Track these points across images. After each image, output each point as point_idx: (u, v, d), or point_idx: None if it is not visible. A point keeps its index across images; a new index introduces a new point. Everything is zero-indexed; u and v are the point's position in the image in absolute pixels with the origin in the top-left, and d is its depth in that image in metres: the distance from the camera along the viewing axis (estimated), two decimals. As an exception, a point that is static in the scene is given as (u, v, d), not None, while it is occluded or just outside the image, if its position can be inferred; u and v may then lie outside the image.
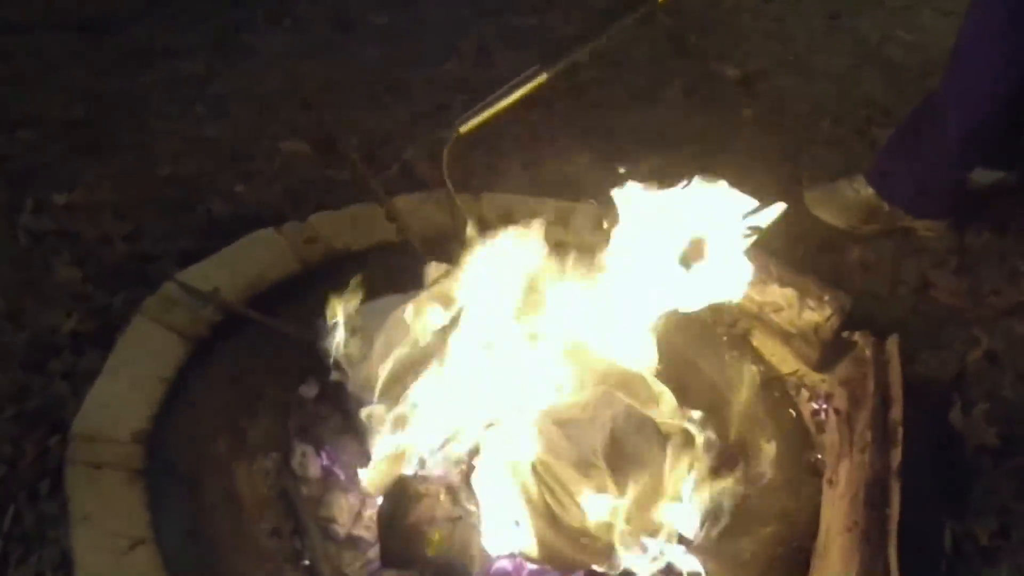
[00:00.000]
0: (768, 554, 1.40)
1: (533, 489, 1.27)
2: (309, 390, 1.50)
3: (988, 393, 1.71)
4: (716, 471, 1.39)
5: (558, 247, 1.46)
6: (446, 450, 1.33)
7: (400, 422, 1.31)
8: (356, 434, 1.39)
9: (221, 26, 2.62)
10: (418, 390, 1.32)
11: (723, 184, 1.37)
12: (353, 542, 1.34)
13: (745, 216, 1.34)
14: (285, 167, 2.12)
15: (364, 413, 1.33)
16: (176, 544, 1.26)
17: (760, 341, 1.70)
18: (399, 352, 1.34)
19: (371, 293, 1.47)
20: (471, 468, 1.32)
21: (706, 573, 1.35)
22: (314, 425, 1.45)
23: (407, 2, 2.80)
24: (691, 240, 1.32)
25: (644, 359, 1.42)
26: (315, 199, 1.98)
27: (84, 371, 1.51)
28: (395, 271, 1.58)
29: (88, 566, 1.21)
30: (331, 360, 1.41)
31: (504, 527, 1.28)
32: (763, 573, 1.38)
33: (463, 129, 1.48)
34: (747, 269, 1.36)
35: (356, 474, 1.37)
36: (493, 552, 1.29)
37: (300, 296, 1.59)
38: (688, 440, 1.36)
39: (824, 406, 1.59)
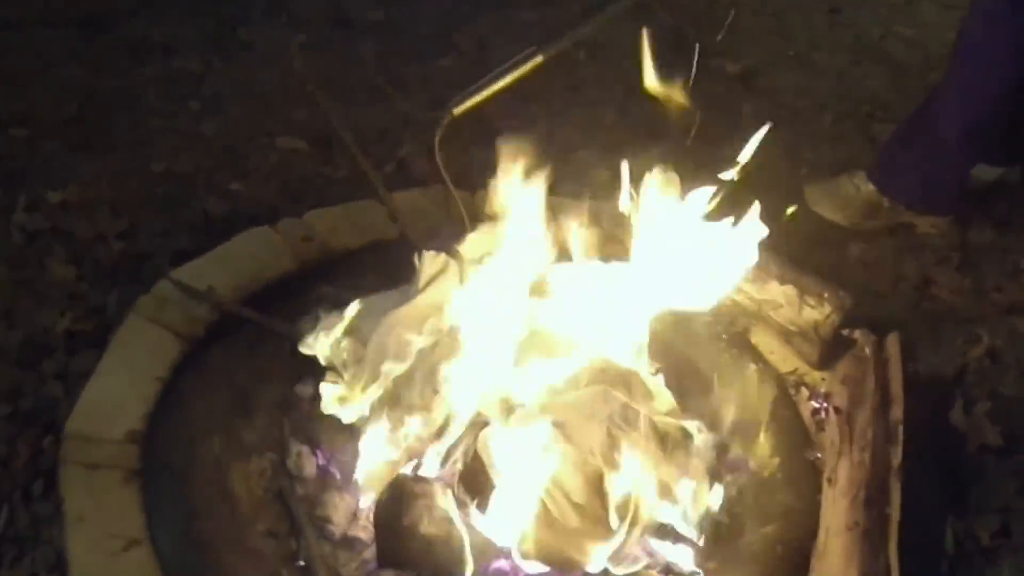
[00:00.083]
0: (768, 553, 1.40)
1: (529, 489, 1.26)
2: (305, 389, 1.49)
3: (990, 391, 1.70)
4: (714, 470, 1.38)
5: (556, 243, 1.45)
6: (442, 450, 1.32)
7: (395, 423, 1.30)
8: (352, 434, 1.38)
9: (217, 22, 2.60)
10: (413, 391, 1.31)
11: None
12: (349, 542, 1.33)
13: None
14: (281, 164, 2.11)
15: (358, 414, 1.32)
16: (171, 545, 1.26)
17: (759, 339, 1.69)
18: (394, 352, 1.33)
19: (367, 291, 1.46)
20: (467, 468, 1.31)
21: (705, 572, 1.35)
22: (310, 425, 1.44)
23: (404, -3, 2.79)
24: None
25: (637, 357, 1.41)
26: (311, 196, 1.97)
27: (78, 370, 1.51)
28: (392, 269, 1.56)
29: (82, 567, 1.21)
30: (325, 361, 1.40)
31: (500, 527, 1.27)
32: (763, 572, 1.38)
33: (457, 111, 1.45)
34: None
35: (352, 474, 1.36)
36: (489, 552, 1.28)
37: (296, 294, 1.58)
38: (686, 438, 1.35)
39: (824, 404, 1.58)
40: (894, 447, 1.40)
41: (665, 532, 1.34)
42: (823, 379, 1.62)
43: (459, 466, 1.31)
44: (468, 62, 2.51)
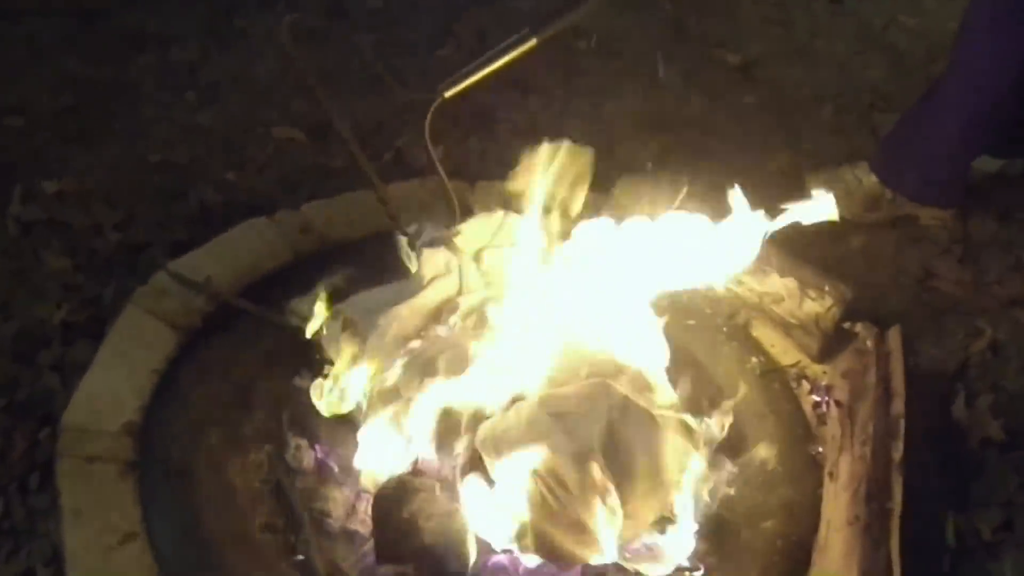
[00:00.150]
0: (768, 548, 1.39)
1: (529, 483, 1.25)
2: (303, 382, 1.47)
3: (992, 385, 1.69)
4: (715, 463, 1.37)
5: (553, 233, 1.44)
6: (441, 444, 1.31)
7: (393, 417, 1.29)
8: (351, 427, 1.37)
9: (213, 11, 2.58)
10: (412, 385, 1.30)
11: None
12: (348, 536, 1.33)
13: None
14: (278, 154, 2.09)
15: (356, 407, 1.31)
16: (168, 539, 1.25)
17: (760, 332, 1.68)
18: (391, 348, 1.32)
19: (365, 283, 1.45)
20: (466, 462, 1.30)
21: (705, 567, 1.34)
22: (308, 417, 1.43)
23: (402, -14, 2.77)
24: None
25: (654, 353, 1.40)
26: (309, 187, 1.96)
27: (74, 362, 1.50)
28: (390, 260, 1.55)
29: (79, 561, 1.21)
30: (323, 354, 1.39)
31: (500, 521, 1.26)
32: (763, 567, 1.37)
33: (448, 93, 1.43)
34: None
35: (351, 468, 1.35)
36: (488, 546, 1.27)
37: (294, 286, 1.56)
38: (686, 432, 1.34)
39: (825, 398, 1.57)
40: (895, 441, 1.40)
41: (665, 526, 1.34)
42: (824, 372, 1.61)
43: (459, 460, 1.30)
44: (467, 53, 2.49)
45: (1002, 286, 1.92)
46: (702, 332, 1.66)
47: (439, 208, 1.59)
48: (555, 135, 1.41)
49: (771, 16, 2.84)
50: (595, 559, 1.26)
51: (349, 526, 1.33)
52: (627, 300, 1.37)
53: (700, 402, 1.43)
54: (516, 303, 1.37)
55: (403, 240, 1.46)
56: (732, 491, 1.41)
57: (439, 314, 1.36)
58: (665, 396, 1.37)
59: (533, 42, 1.42)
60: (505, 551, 1.28)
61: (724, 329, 1.68)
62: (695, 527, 1.33)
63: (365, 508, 1.34)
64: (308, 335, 1.39)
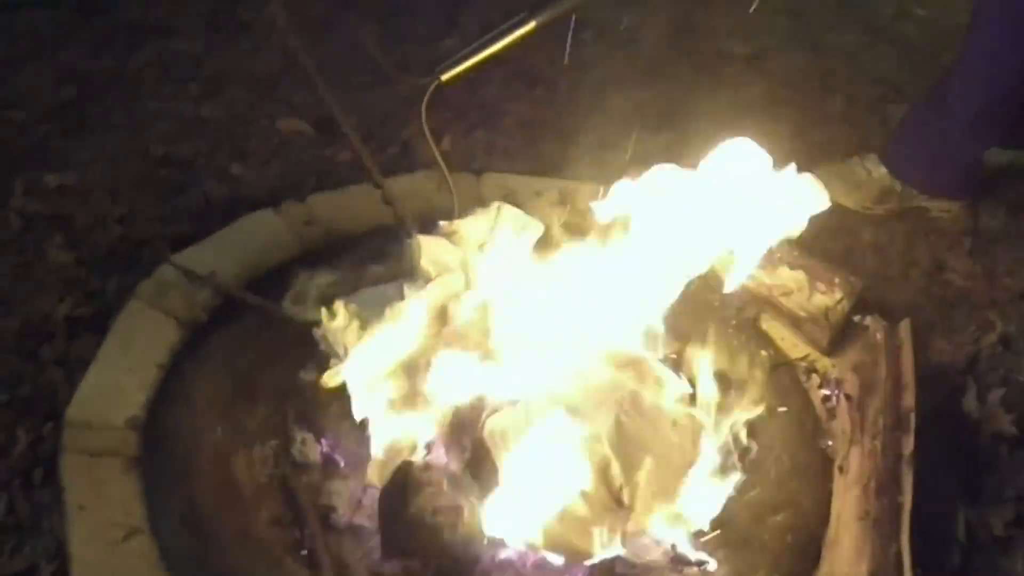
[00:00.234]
0: (778, 542, 1.39)
1: (537, 477, 1.24)
2: (309, 375, 1.47)
3: (1003, 378, 1.68)
4: (725, 457, 1.36)
5: (563, 227, 1.43)
6: (449, 438, 1.30)
7: (401, 411, 1.28)
8: (357, 421, 1.36)
9: (216, 2, 2.57)
10: (419, 378, 1.29)
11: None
12: (354, 531, 1.32)
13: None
14: (282, 147, 2.08)
15: (361, 401, 1.30)
16: (172, 534, 1.24)
17: (770, 325, 1.67)
18: (398, 341, 1.31)
19: (370, 276, 1.44)
20: (473, 456, 1.29)
21: (715, 561, 1.33)
22: (314, 411, 1.42)
23: (408, -24, 2.75)
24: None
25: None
26: (314, 180, 1.94)
27: (77, 357, 1.49)
28: (395, 254, 1.54)
29: (83, 557, 1.20)
30: (328, 348, 1.38)
31: (507, 516, 1.25)
32: (773, 562, 1.36)
33: (445, 77, 1.41)
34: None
35: (357, 462, 1.34)
36: (497, 541, 1.26)
37: (299, 279, 1.55)
38: (696, 426, 1.33)
39: (835, 392, 1.56)
40: (906, 435, 1.39)
41: (674, 520, 1.33)
42: (834, 366, 1.60)
43: (466, 454, 1.29)
44: (472, 42, 2.47)
45: (1013, 278, 1.91)
46: (711, 325, 1.64)
47: (444, 201, 1.58)
48: (560, 127, 1.39)
49: (780, 6, 2.81)
50: (603, 553, 1.25)
51: (355, 521, 1.32)
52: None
53: (709, 396, 1.43)
54: (522, 297, 1.36)
55: (410, 238, 1.45)
56: (741, 485, 1.40)
57: (445, 309, 1.35)
58: (675, 390, 1.36)
59: (532, 25, 1.40)
60: (513, 546, 1.27)
61: (733, 322, 1.66)
62: (704, 521, 1.32)
63: (372, 502, 1.33)
64: (313, 331, 1.38)
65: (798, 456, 1.48)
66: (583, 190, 1.81)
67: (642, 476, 1.26)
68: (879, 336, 1.56)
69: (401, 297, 1.35)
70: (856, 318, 1.60)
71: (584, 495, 1.24)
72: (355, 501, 1.34)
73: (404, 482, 1.28)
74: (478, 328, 1.32)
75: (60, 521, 1.23)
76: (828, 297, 1.58)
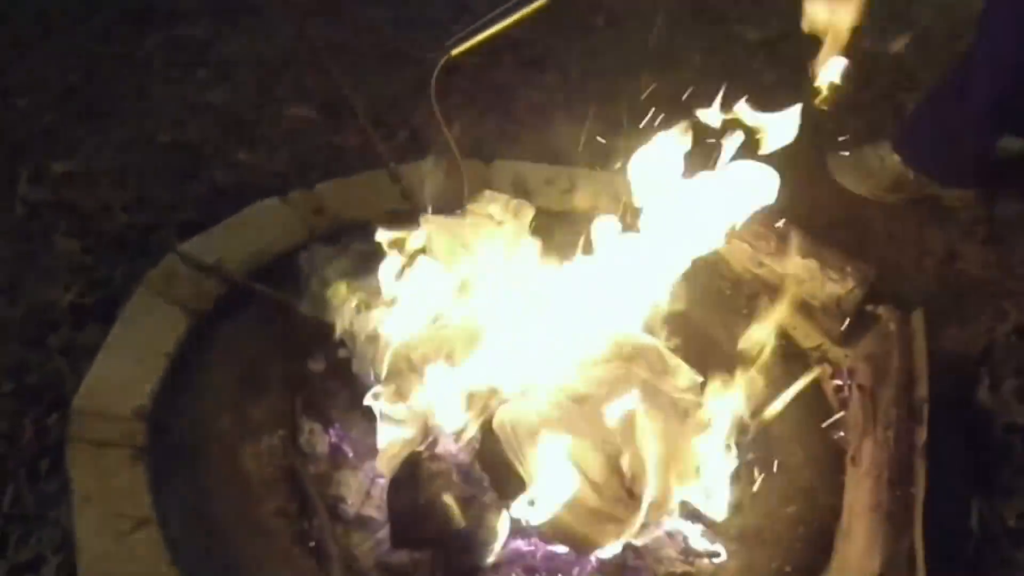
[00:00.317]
0: (790, 533, 1.38)
1: (547, 467, 1.23)
2: (317, 365, 1.46)
3: (1017, 369, 1.66)
4: (736, 448, 1.35)
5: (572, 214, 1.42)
6: (458, 428, 1.29)
7: (409, 400, 1.27)
8: (365, 411, 1.35)
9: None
10: (428, 368, 1.28)
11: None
12: (362, 522, 1.31)
13: None
14: (291, 134, 2.07)
15: (371, 392, 1.29)
16: (180, 525, 1.24)
17: (781, 314, 1.65)
18: (406, 329, 1.30)
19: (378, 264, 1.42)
20: (483, 446, 1.28)
21: (726, 552, 1.32)
22: (322, 401, 1.42)
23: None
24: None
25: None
26: (322, 166, 1.93)
27: (84, 346, 1.48)
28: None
29: (90, 548, 1.19)
30: (337, 337, 1.37)
31: (518, 506, 1.24)
32: (785, 553, 1.35)
33: (454, 52, 1.40)
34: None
35: (365, 452, 1.34)
36: (507, 531, 1.25)
37: (307, 267, 1.54)
38: (706, 416, 1.32)
39: (847, 382, 1.54)
40: (919, 426, 1.38)
41: (686, 512, 1.32)
42: (846, 356, 1.58)
43: (476, 444, 1.28)
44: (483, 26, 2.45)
45: (1027, 268, 1.89)
46: (722, 314, 1.63)
47: (459, 186, 1.56)
48: (571, 113, 1.37)
49: (791, -9, 2.78)
50: (613, 544, 1.25)
51: (364, 511, 1.32)
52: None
53: (720, 385, 1.41)
54: (534, 284, 1.35)
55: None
56: (753, 477, 1.39)
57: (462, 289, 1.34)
58: (685, 379, 1.35)
59: (542, 1, 1.38)
60: (523, 536, 1.27)
61: (744, 311, 1.65)
62: (716, 512, 1.31)
63: (380, 493, 1.32)
64: (326, 318, 1.37)
65: (810, 447, 1.47)
66: (593, 177, 1.80)
67: (653, 466, 1.25)
68: (892, 326, 1.55)
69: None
70: (869, 307, 1.59)
71: (595, 486, 1.23)
72: (363, 492, 1.33)
73: (413, 472, 1.27)
74: (485, 319, 1.31)
75: (67, 512, 1.23)
76: (840, 286, 1.57)
